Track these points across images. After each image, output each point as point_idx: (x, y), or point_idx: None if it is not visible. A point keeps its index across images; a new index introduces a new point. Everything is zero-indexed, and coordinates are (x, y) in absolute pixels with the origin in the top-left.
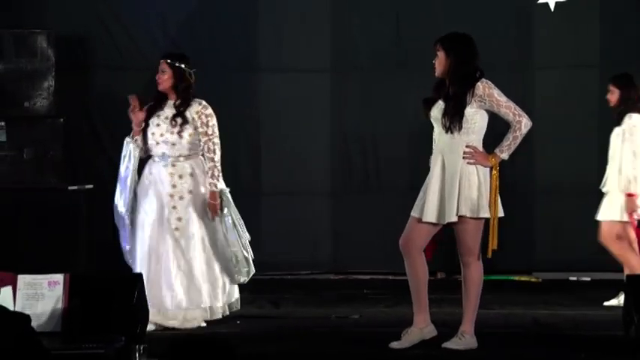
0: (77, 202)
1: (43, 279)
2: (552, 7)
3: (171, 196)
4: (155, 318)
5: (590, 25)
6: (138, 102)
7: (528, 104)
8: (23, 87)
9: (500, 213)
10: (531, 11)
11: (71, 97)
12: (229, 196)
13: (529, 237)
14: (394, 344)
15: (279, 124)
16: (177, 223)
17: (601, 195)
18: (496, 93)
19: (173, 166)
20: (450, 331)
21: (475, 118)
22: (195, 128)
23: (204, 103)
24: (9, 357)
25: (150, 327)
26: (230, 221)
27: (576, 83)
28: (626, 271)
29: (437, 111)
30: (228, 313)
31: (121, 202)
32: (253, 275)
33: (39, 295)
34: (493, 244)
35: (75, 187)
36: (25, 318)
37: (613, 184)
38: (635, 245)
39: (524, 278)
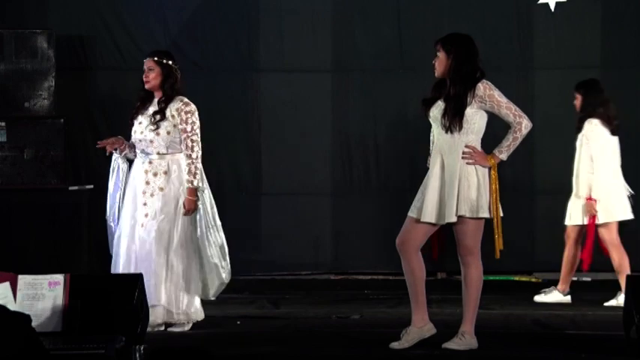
0: (78, 203)
1: (43, 279)
2: (552, 7)
3: (144, 193)
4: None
5: (591, 26)
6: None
7: (528, 105)
8: (24, 87)
9: (500, 213)
10: (532, 12)
11: (72, 98)
12: (207, 195)
13: (529, 237)
14: (394, 344)
15: (280, 124)
16: (144, 220)
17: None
18: (497, 94)
19: (150, 163)
20: (450, 331)
21: (475, 119)
22: (175, 125)
23: (185, 100)
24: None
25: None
26: (203, 223)
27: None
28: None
29: (436, 111)
30: (199, 318)
31: (110, 216)
32: (254, 275)
33: (39, 295)
34: (499, 244)
35: (76, 188)
36: (25, 318)
37: (577, 188)
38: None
39: (524, 278)
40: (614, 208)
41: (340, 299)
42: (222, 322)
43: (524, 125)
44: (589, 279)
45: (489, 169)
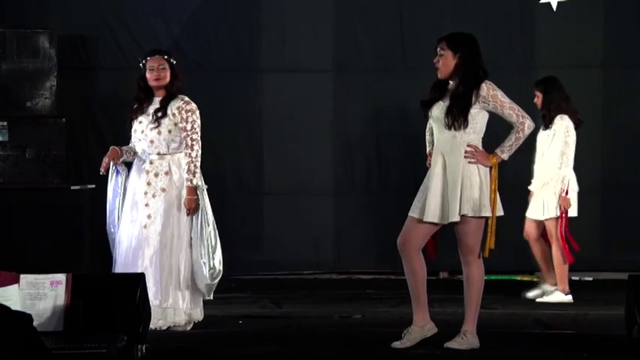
0: (80, 202)
1: (45, 278)
2: (554, 6)
3: (145, 193)
4: None
5: (593, 25)
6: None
7: (530, 104)
8: (26, 87)
9: (500, 212)
10: (533, 11)
11: (74, 97)
12: (205, 195)
13: None
14: (396, 344)
15: (281, 124)
16: (146, 221)
17: (605, 193)
18: (500, 94)
19: (151, 163)
20: (452, 330)
21: (477, 119)
22: (176, 124)
23: (186, 98)
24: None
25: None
26: (198, 223)
27: (579, 83)
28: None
29: (438, 110)
30: (200, 318)
31: (110, 223)
32: (256, 275)
33: (41, 295)
34: (491, 243)
35: (77, 187)
36: (27, 317)
37: (540, 183)
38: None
39: (526, 278)
40: (572, 204)
41: (342, 299)
42: (224, 322)
43: (527, 125)
44: (591, 278)
45: (490, 168)
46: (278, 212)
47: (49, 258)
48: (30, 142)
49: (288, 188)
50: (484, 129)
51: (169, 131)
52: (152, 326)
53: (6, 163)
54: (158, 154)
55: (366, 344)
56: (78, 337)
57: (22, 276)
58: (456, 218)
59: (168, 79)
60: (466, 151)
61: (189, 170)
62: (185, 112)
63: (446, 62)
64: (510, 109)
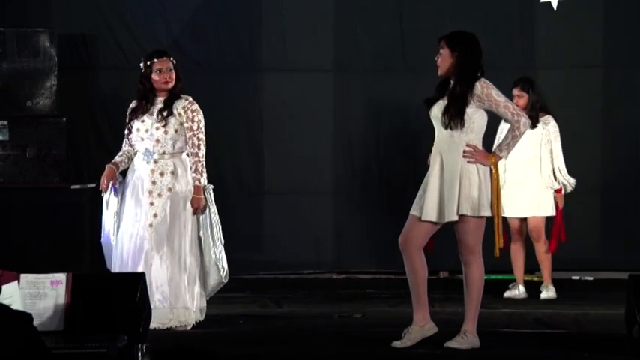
0: (80, 202)
1: (45, 278)
2: (555, 6)
3: (150, 192)
4: None
5: (593, 25)
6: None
7: None
8: (26, 86)
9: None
10: (533, 11)
11: (74, 97)
12: (212, 194)
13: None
14: (396, 343)
15: (282, 123)
16: (153, 220)
17: (605, 193)
18: (494, 93)
19: (155, 162)
20: (452, 330)
21: (474, 118)
22: (181, 123)
23: (190, 98)
24: (12, 356)
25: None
26: (208, 222)
27: (579, 83)
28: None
29: (437, 109)
30: (201, 318)
31: (107, 235)
32: (256, 274)
33: (41, 294)
34: (500, 242)
35: (78, 187)
36: (27, 317)
37: (537, 181)
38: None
39: (526, 277)
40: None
41: (342, 298)
42: (224, 321)
43: (523, 123)
44: (591, 278)
45: (490, 167)
46: (278, 212)
47: (49, 258)
48: (30, 142)
49: (288, 188)
50: (484, 129)
51: (176, 131)
52: (162, 326)
53: (6, 162)
54: (163, 153)
55: (366, 343)
56: (78, 336)
57: (22, 275)
58: (454, 218)
59: (174, 81)
60: (465, 151)
61: (196, 170)
62: (191, 112)
63: (443, 60)
64: (505, 108)
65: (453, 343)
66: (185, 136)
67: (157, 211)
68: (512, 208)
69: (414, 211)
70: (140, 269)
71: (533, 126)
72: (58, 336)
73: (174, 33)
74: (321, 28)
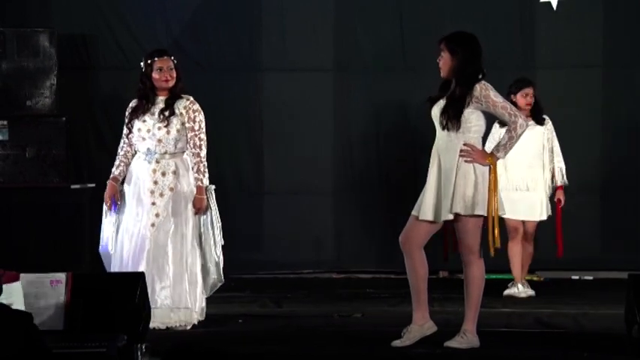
0: (80, 201)
1: (45, 277)
2: (555, 6)
3: (152, 192)
4: None
5: (593, 25)
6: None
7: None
8: (26, 86)
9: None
10: (533, 11)
11: (74, 96)
12: (213, 194)
13: None
14: (396, 343)
15: (281, 123)
16: (155, 219)
17: (605, 193)
18: (492, 94)
19: (157, 162)
20: (452, 329)
21: (471, 119)
22: (183, 123)
23: (191, 98)
24: (12, 355)
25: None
26: (209, 221)
27: (579, 83)
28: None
29: (437, 109)
30: (201, 318)
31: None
32: (255, 274)
33: (41, 294)
34: (496, 242)
35: (77, 186)
36: (27, 316)
37: (540, 183)
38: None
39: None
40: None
41: (342, 298)
42: (223, 321)
43: (520, 124)
44: (591, 278)
45: (489, 168)
46: (278, 212)
47: (49, 257)
48: (30, 142)
49: (288, 188)
50: (483, 129)
51: (177, 131)
52: (163, 326)
53: (6, 162)
54: (165, 153)
55: (366, 343)
56: (78, 336)
57: (22, 275)
58: (449, 217)
59: (175, 80)
60: (462, 150)
61: (198, 170)
62: (192, 112)
63: (444, 63)
64: (502, 109)
65: (453, 343)
66: (186, 135)
67: (159, 211)
68: (513, 209)
69: (414, 211)
70: (141, 269)
71: (540, 123)
72: (57, 335)
73: (174, 33)
74: (321, 28)
